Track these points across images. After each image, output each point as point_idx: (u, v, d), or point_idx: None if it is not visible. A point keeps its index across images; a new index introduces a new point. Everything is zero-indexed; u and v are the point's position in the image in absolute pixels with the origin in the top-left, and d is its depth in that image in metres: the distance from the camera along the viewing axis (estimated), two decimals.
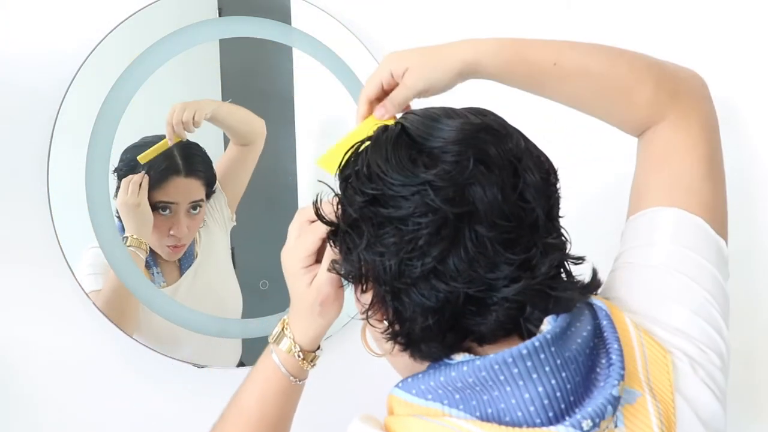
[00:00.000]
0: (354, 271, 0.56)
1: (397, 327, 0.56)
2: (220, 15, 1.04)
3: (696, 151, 0.68)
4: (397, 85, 0.71)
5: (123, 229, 0.98)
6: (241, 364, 1.09)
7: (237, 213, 1.09)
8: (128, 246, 0.97)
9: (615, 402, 0.52)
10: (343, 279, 0.62)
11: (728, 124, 0.75)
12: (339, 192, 0.59)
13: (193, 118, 0.99)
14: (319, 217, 0.60)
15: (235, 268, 1.10)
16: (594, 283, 0.59)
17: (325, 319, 0.67)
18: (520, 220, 0.53)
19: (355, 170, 0.57)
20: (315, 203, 0.61)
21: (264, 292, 1.10)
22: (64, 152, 0.93)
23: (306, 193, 1.12)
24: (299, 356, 0.69)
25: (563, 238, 0.57)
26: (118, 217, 0.97)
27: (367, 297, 0.57)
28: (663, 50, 0.75)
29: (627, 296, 0.63)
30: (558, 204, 0.58)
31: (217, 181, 1.06)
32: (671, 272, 0.63)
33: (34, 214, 0.93)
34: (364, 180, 0.55)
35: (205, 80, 1.04)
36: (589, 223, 0.65)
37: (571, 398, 0.52)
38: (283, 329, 0.70)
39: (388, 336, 0.57)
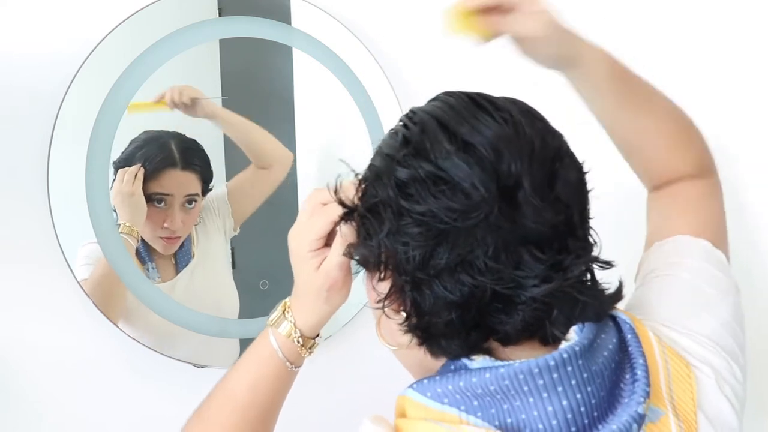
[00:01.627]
0: (373, 257, 0.54)
1: (414, 320, 0.54)
2: (220, 15, 1.04)
3: (720, 208, 0.75)
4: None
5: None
6: None
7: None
8: (120, 232, 0.97)
9: (640, 420, 0.51)
10: (355, 265, 0.60)
11: None
12: (364, 173, 0.57)
13: (182, 95, 1.00)
14: (339, 200, 0.58)
15: (234, 268, 1.10)
16: (619, 294, 0.58)
17: (331, 305, 0.65)
18: (556, 222, 0.52)
19: (403, 154, 0.53)
20: (335, 184, 0.58)
21: (264, 292, 1.10)
22: (64, 152, 0.93)
23: (306, 192, 1.12)
24: (298, 342, 0.66)
25: (593, 240, 0.56)
26: (115, 210, 0.98)
27: (385, 286, 0.55)
28: None
29: (658, 305, 0.63)
30: (588, 206, 0.56)
31: (226, 191, 1.07)
32: (700, 285, 0.64)
33: (33, 213, 0.93)
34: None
35: (205, 80, 1.04)
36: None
37: (595, 414, 0.51)
38: (283, 312, 0.67)
39: (405, 328, 0.55)
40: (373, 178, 0.55)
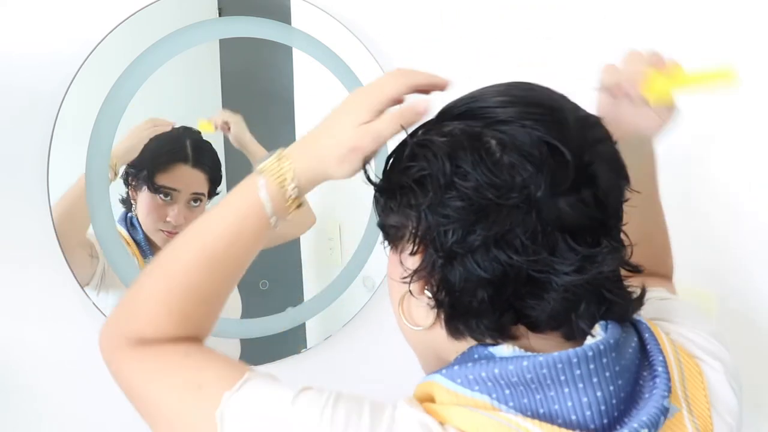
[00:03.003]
0: (411, 226, 0.54)
1: (443, 296, 0.53)
2: (220, 15, 1.04)
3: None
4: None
5: (124, 222, 1.00)
6: None
7: None
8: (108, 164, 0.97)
9: (666, 413, 0.52)
10: (387, 241, 0.59)
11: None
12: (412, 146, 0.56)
13: (226, 121, 1.04)
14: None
15: None
16: (641, 300, 0.59)
17: (337, 169, 0.60)
18: (593, 216, 0.52)
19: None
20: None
21: (264, 292, 1.10)
22: (64, 152, 0.93)
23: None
24: (294, 191, 0.61)
25: (624, 241, 0.56)
26: (122, 202, 0.99)
27: (414, 261, 0.54)
28: None
29: (663, 305, 0.65)
30: (622, 210, 0.57)
31: None
32: (689, 308, 0.68)
33: (33, 213, 0.93)
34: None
35: (205, 80, 1.04)
36: None
37: (622, 407, 0.52)
38: (278, 160, 0.61)
39: (433, 303, 0.54)
40: (422, 150, 0.54)
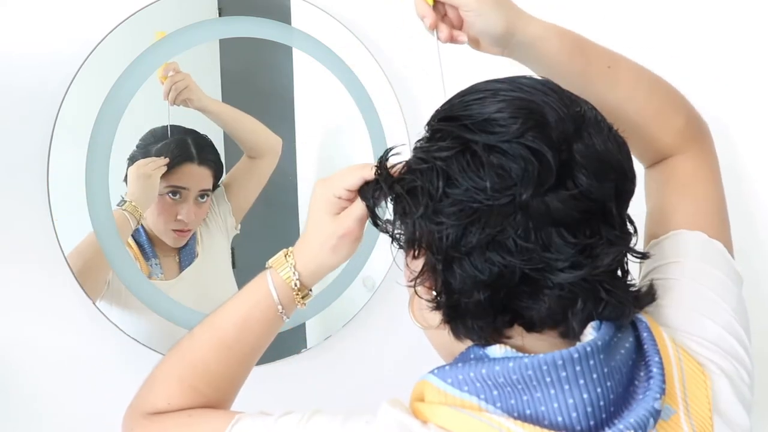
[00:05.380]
0: (408, 235, 0.56)
1: (443, 298, 0.55)
2: (220, 15, 1.04)
3: (714, 185, 0.74)
4: None
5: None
6: None
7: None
8: (123, 209, 0.98)
9: (656, 415, 0.52)
10: (397, 244, 0.61)
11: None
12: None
13: (179, 93, 1.01)
14: (381, 168, 0.60)
15: (234, 268, 1.10)
16: (648, 299, 0.59)
17: (335, 256, 0.67)
18: (585, 208, 0.52)
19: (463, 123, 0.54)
20: (383, 156, 0.61)
21: None
22: (64, 152, 0.93)
23: (306, 193, 1.12)
24: (296, 285, 0.68)
25: (629, 230, 0.56)
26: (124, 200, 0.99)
27: (418, 264, 0.56)
28: None
29: (659, 311, 0.63)
30: (630, 196, 0.56)
31: (223, 189, 1.08)
32: (700, 288, 0.64)
33: (33, 213, 0.93)
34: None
35: (205, 80, 1.04)
36: None
37: (612, 409, 0.52)
38: (285, 256, 0.69)
39: (434, 306, 0.56)
40: (415, 162, 0.56)
